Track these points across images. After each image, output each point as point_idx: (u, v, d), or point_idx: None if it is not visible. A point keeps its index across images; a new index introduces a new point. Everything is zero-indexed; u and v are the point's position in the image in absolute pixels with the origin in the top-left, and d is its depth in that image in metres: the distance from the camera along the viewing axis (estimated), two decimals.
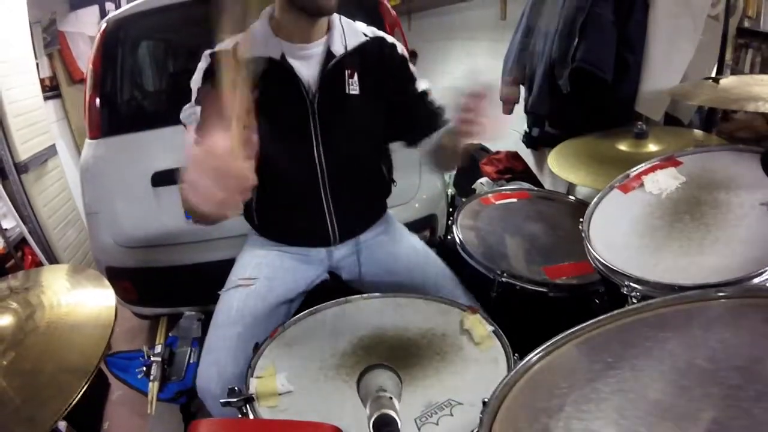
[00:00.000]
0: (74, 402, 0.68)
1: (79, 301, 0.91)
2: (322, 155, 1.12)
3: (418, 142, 1.17)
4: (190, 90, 1.16)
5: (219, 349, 1.07)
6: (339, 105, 1.10)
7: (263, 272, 1.18)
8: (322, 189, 1.14)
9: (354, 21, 1.14)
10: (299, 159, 1.12)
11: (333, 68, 1.08)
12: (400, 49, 1.17)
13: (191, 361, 1.50)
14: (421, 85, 1.18)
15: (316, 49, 1.09)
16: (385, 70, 1.13)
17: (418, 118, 1.16)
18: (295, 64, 1.08)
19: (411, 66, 1.18)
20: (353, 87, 1.10)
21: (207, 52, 1.13)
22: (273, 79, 1.07)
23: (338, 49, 1.09)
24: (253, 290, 1.15)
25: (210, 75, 1.12)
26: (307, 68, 1.09)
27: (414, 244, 1.29)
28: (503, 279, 1.21)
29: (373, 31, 1.16)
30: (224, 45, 1.10)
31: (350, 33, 1.11)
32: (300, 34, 1.08)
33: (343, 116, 1.11)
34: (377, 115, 1.15)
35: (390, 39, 1.17)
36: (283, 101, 1.09)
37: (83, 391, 0.69)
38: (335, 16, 1.11)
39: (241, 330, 1.09)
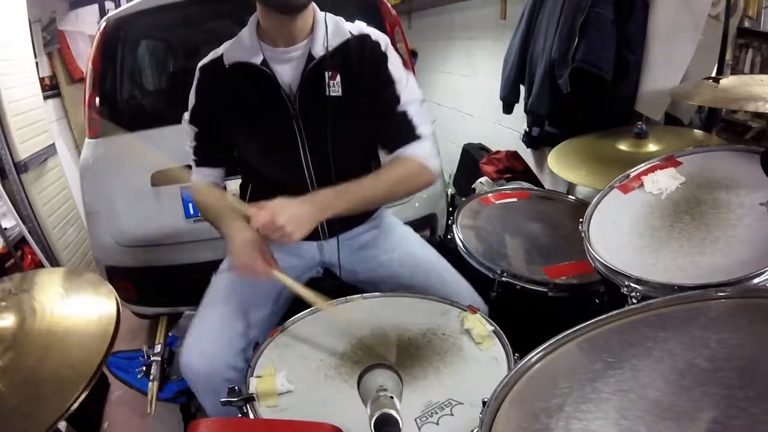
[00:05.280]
0: (73, 407, 0.68)
1: (80, 304, 0.91)
2: (308, 157, 1.12)
3: (390, 151, 1.13)
4: (190, 89, 1.16)
5: (203, 328, 1.08)
6: (320, 107, 1.08)
7: None
8: (310, 187, 1.14)
9: (353, 21, 1.13)
10: (286, 160, 1.12)
11: (312, 70, 1.06)
12: (384, 46, 1.10)
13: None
14: (404, 93, 1.10)
15: (297, 52, 1.07)
16: (364, 69, 1.09)
17: (385, 125, 1.12)
18: (276, 68, 1.07)
19: (393, 68, 1.10)
20: (335, 89, 1.07)
21: (198, 65, 1.14)
22: (255, 85, 1.08)
23: (318, 51, 1.06)
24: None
25: (202, 91, 1.14)
26: (288, 72, 1.08)
27: (407, 234, 1.28)
28: (503, 279, 1.21)
29: (359, 29, 1.10)
30: (213, 55, 1.12)
31: (334, 33, 1.07)
32: (282, 36, 1.06)
33: (325, 118, 1.08)
34: (363, 116, 1.11)
35: (375, 36, 1.10)
36: (265, 106, 1.09)
37: (83, 396, 0.69)
38: (321, 16, 1.08)
39: (226, 310, 1.10)
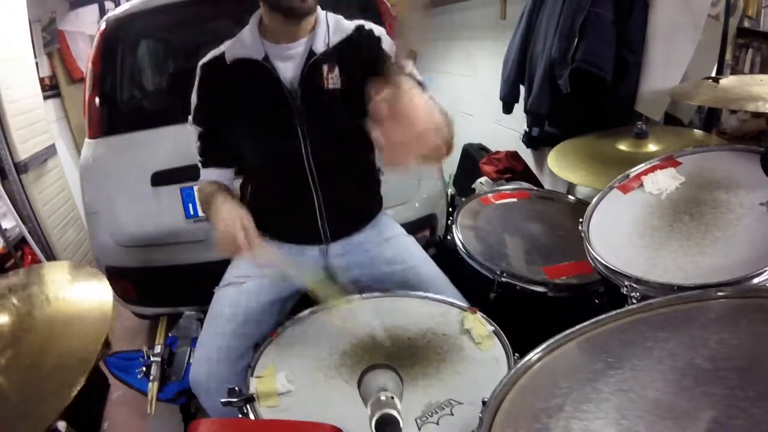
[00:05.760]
0: (73, 398, 0.68)
1: (76, 297, 0.91)
2: (309, 153, 1.12)
3: None
4: (190, 89, 1.16)
5: (211, 346, 1.08)
6: (321, 102, 1.09)
7: (256, 270, 1.18)
8: (312, 186, 1.14)
9: (352, 20, 1.14)
10: (287, 158, 1.12)
11: (313, 66, 1.08)
12: (378, 32, 1.13)
13: (191, 361, 1.50)
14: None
15: (299, 48, 1.09)
16: (362, 55, 1.10)
17: None
18: (278, 64, 1.08)
19: (387, 48, 1.11)
20: (334, 82, 1.09)
21: (199, 63, 1.14)
22: (256, 81, 1.08)
23: (320, 47, 1.08)
24: (245, 288, 1.16)
25: (204, 88, 1.14)
26: (290, 68, 1.09)
27: (409, 247, 1.27)
28: (503, 279, 1.21)
29: (356, 23, 1.13)
30: (214, 53, 1.13)
31: (335, 30, 1.10)
32: (284, 34, 1.08)
33: (327, 113, 1.10)
34: (363, 106, 1.12)
35: (369, 25, 1.13)
36: (267, 101, 1.10)
37: (82, 386, 0.69)
38: (322, 14, 1.10)
39: (232, 327, 1.10)
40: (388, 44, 1.12)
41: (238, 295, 1.15)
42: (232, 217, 0.99)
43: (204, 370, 1.05)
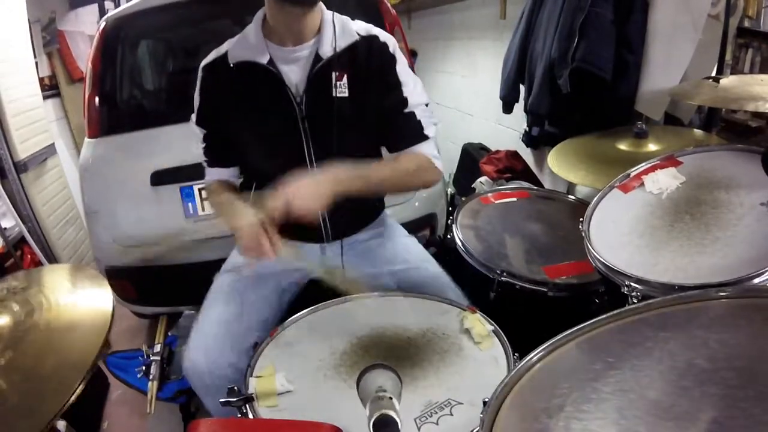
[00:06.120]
0: (72, 400, 0.68)
1: (77, 299, 0.91)
2: (313, 157, 1.12)
3: (397, 151, 1.14)
4: (190, 89, 1.16)
5: (206, 328, 1.07)
6: (327, 108, 1.08)
7: (256, 261, 1.18)
8: None
9: (353, 20, 1.13)
10: (291, 160, 1.11)
11: (319, 71, 1.06)
12: (392, 48, 1.10)
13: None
14: (412, 95, 1.11)
15: (305, 51, 1.07)
16: (372, 70, 1.09)
17: (393, 126, 1.12)
18: (283, 68, 1.07)
19: (400, 70, 1.11)
20: (341, 89, 1.08)
21: (201, 64, 1.13)
22: (261, 84, 1.07)
23: (326, 51, 1.06)
24: (244, 276, 1.16)
25: (206, 90, 1.14)
26: (295, 71, 1.08)
27: (410, 247, 1.27)
28: (503, 278, 1.21)
29: (367, 30, 1.11)
30: (216, 53, 1.12)
31: (342, 33, 1.07)
32: (290, 34, 1.06)
33: (331, 119, 1.08)
34: (369, 117, 1.12)
35: (383, 37, 1.11)
36: (271, 105, 1.09)
37: (81, 389, 0.69)
38: (329, 15, 1.08)
39: (229, 311, 1.10)
40: (402, 66, 1.11)
41: (237, 283, 1.15)
42: (255, 229, 1.00)
43: (199, 350, 1.04)
